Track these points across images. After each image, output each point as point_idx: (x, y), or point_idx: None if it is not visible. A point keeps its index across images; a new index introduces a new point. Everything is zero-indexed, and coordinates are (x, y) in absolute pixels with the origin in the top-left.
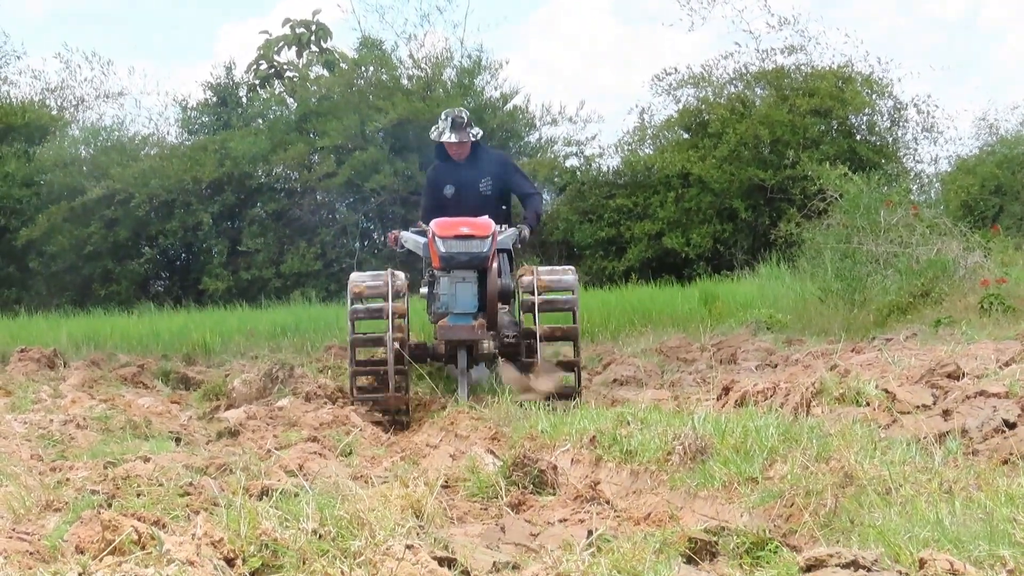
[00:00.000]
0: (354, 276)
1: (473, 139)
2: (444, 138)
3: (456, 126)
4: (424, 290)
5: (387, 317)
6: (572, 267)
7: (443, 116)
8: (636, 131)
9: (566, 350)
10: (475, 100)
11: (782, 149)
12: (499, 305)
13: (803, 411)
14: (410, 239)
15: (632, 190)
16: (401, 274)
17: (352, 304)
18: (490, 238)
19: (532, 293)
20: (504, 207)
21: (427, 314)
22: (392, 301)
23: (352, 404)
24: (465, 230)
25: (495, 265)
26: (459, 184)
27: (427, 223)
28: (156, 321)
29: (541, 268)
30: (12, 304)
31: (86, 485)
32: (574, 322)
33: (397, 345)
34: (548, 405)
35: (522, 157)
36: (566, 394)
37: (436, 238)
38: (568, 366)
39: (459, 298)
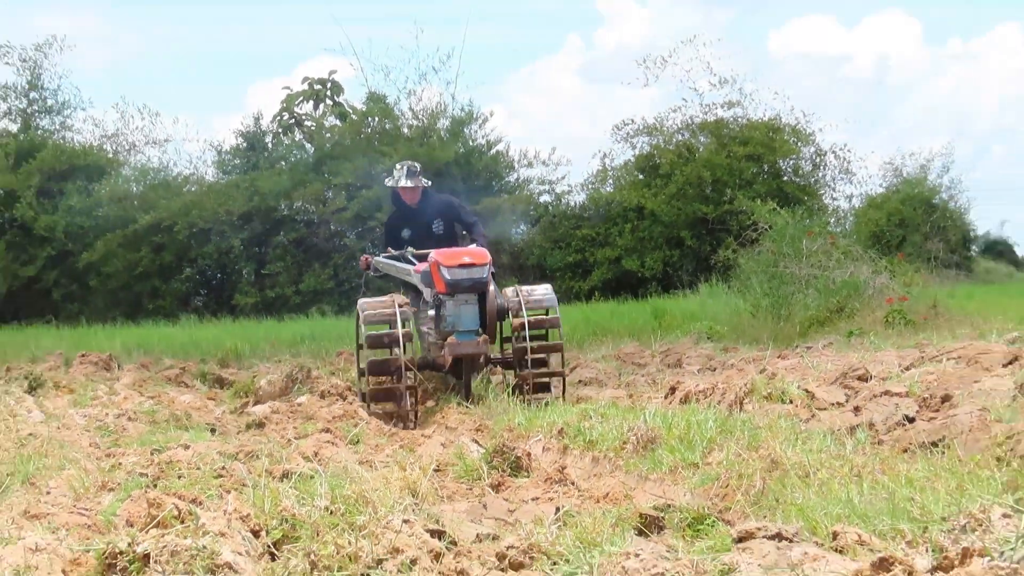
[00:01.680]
0: (363, 303)
1: (424, 185)
2: (400, 184)
3: (410, 174)
4: (431, 312)
5: (400, 346)
6: (550, 287)
7: (398, 166)
8: (598, 172)
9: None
10: (464, 146)
11: (721, 188)
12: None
13: (737, 407)
14: (386, 264)
15: (595, 222)
16: (404, 298)
17: (365, 329)
18: (487, 265)
19: (520, 314)
20: (453, 244)
21: (434, 331)
22: (400, 325)
23: (366, 408)
24: (467, 259)
25: (491, 288)
26: (414, 227)
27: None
28: (195, 331)
29: (523, 290)
30: (75, 316)
31: (135, 469)
32: (559, 337)
33: (408, 359)
34: (524, 402)
35: (503, 194)
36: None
37: (441, 267)
38: (555, 374)
39: (463, 318)
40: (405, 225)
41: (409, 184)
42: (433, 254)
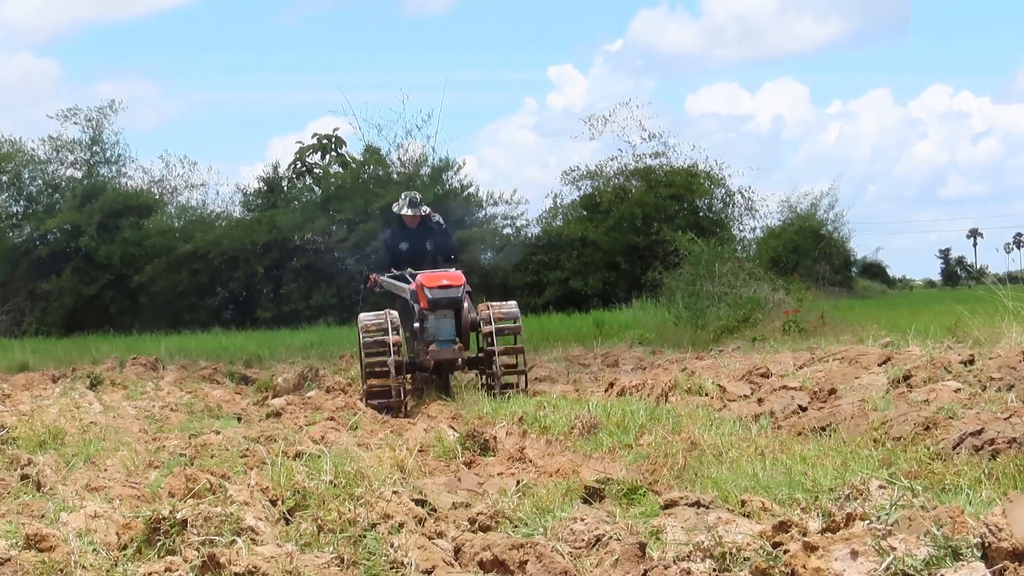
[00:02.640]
0: (362, 317)
1: (423, 215)
2: (404, 212)
3: (412, 204)
4: (416, 324)
5: (390, 348)
6: (515, 302)
7: (403, 196)
8: (551, 209)
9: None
10: (442, 189)
11: (649, 222)
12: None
13: (663, 399)
14: (389, 283)
15: (548, 249)
16: (395, 313)
17: (364, 338)
18: (462, 286)
19: (490, 323)
20: (437, 260)
21: (419, 340)
22: (391, 335)
23: (363, 402)
24: (445, 282)
25: (466, 305)
26: (411, 243)
27: (387, 271)
28: (225, 339)
29: (493, 304)
30: (128, 327)
31: (176, 450)
32: (522, 341)
33: (398, 362)
34: (492, 395)
35: (474, 228)
36: (510, 385)
37: (424, 288)
38: (519, 372)
39: (442, 330)
40: (404, 240)
41: (410, 213)
42: (419, 277)
